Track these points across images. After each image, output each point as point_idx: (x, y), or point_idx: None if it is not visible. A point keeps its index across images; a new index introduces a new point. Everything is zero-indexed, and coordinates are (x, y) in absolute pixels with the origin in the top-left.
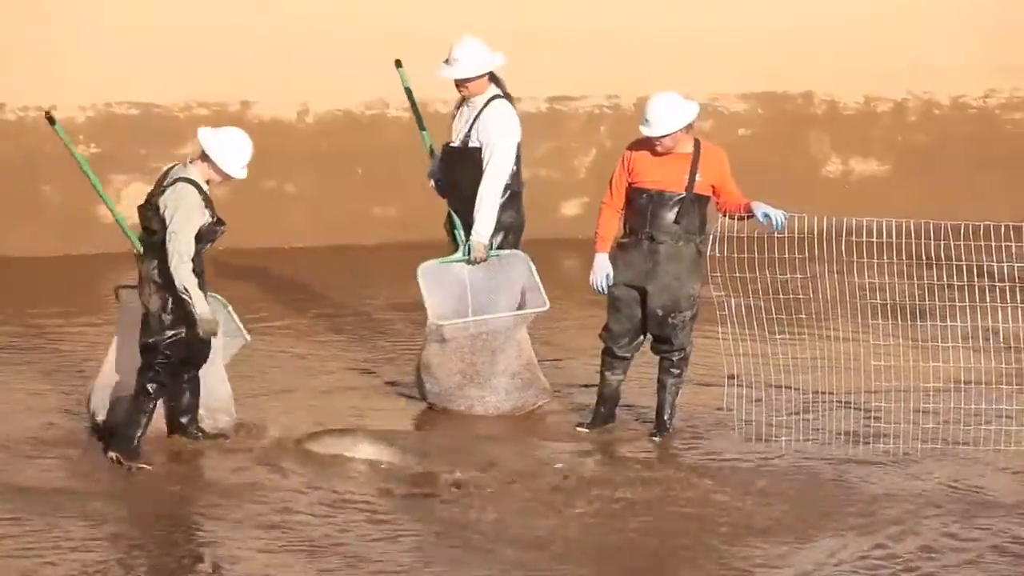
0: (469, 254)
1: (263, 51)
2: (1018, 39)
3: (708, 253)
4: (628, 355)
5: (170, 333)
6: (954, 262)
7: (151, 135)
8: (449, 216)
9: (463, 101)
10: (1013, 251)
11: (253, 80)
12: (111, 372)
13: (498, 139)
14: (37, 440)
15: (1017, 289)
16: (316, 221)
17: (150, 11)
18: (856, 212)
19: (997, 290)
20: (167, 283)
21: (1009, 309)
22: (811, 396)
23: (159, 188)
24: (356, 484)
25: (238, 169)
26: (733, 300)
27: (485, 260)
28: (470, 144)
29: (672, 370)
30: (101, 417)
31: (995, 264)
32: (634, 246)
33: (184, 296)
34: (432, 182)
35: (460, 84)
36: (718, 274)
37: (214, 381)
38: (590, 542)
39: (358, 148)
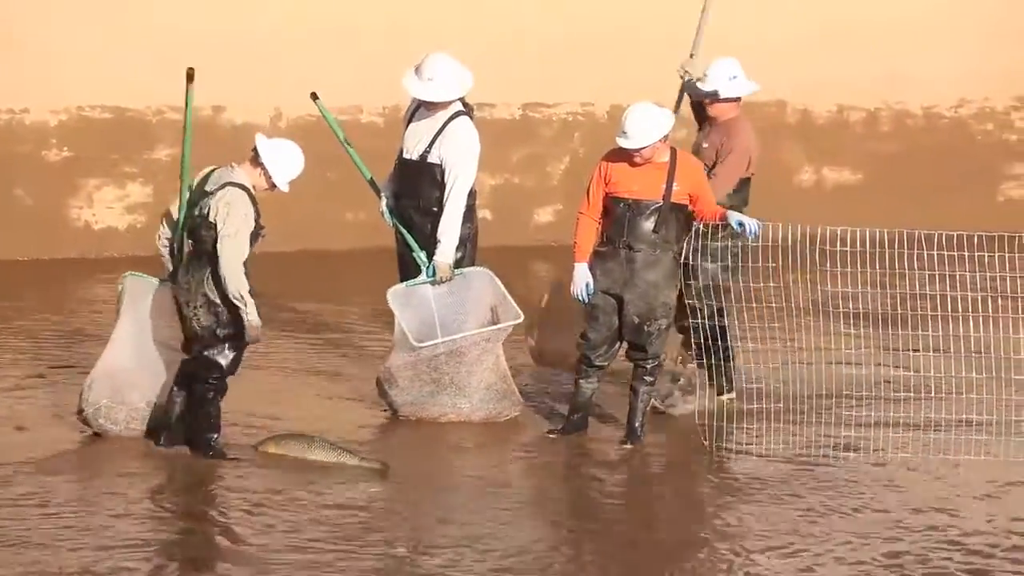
0: (433, 275)
1: (236, 56)
2: (989, 50)
3: (682, 261)
4: (604, 364)
5: (229, 349)
6: (927, 271)
7: (123, 139)
8: (403, 238)
9: (418, 108)
10: (986, 261)
11: (226, 85)
12: (114, 362)
13: (461, 162)
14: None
15: (988, 299)
16: (287, 226)
17: (122, 15)
18: (829, 221)
19: (970, 300)
20: (221, 295)
21: (980, 319)
22: (782, 405)
23: (202, 192)
24: (310, 488)
25: (285, 183)
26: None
27: (451, 279)
28: (429, 159)
29: (646, 378)
30: (104, 403)
31: (968, 274)
32: (612, 255)
33: (237, 302)
34: (387, 214)
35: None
36: (692, 282)
37: None
38: (553, 547)
39: (330, 153)
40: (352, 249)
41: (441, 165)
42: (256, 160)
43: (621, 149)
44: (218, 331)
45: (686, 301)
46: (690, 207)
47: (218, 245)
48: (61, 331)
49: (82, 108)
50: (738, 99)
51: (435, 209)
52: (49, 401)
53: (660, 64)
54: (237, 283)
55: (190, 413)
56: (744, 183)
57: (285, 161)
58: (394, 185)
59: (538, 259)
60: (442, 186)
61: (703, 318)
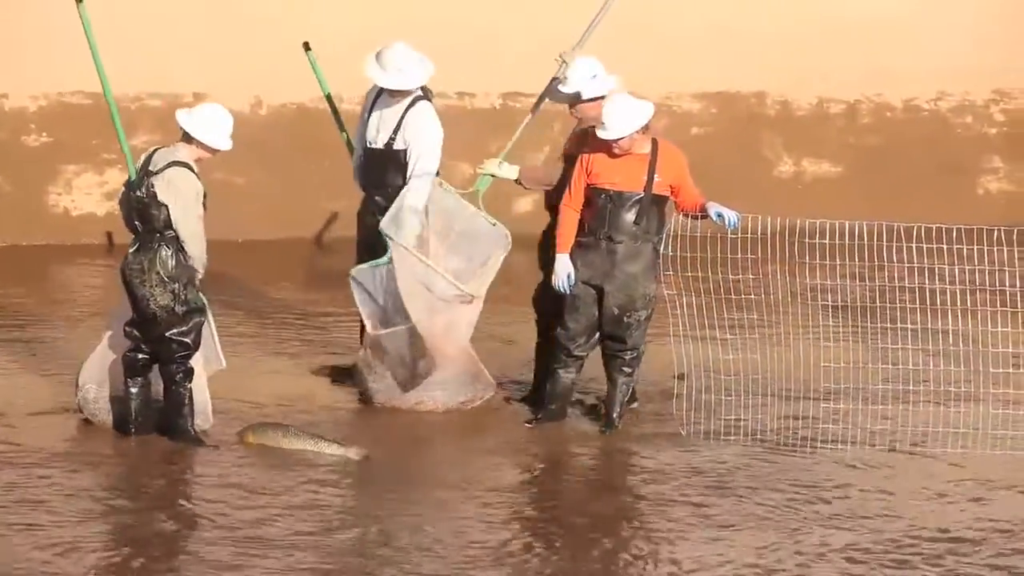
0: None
1: (216, 43)
2: (969, 43)
3: (662, 252)
4: (583, 354)
5: (191, 325)
6: (905, 264)
7: (103, 125)
8: (373, 215)
9: (377, 98)
10: (964, 254)
11: (206, 72)
12: (109, 347)
13: (424, 145)
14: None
15: (967, 292)
16: (267, 214)
17: (101, 2)
18: (808, 213)
19: (948, 293)
20: (176, 273)
21: (959, 312)
22: (760, 397)
23: (147, 174)
24: (285, 476)
25: (224, 141)
26: (684, 299)
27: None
28: (395, 147)
29: (624, 368)
30: (91, 388)
31: (946, 267)
32: (593, 246)
33: (200, 268)
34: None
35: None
36: (670, 273)
37: (195, 390)
38: (527, 541)
39: (311, 141)
40: (336, 237)
41: (407, 150)
42: (187, 136)
43: (603, 141)
44: (176, 308)
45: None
46: (672, 198)
47: (176, 224)
48: (38, 317)
49: (61, 94)
50: (602, 98)
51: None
52: (26, 387)
53: (639, 55)
54: (204, 259)
55: (164, 399)
56: None
57: (210, 124)
58: (362, 176)
59: (517, 248)
60: None
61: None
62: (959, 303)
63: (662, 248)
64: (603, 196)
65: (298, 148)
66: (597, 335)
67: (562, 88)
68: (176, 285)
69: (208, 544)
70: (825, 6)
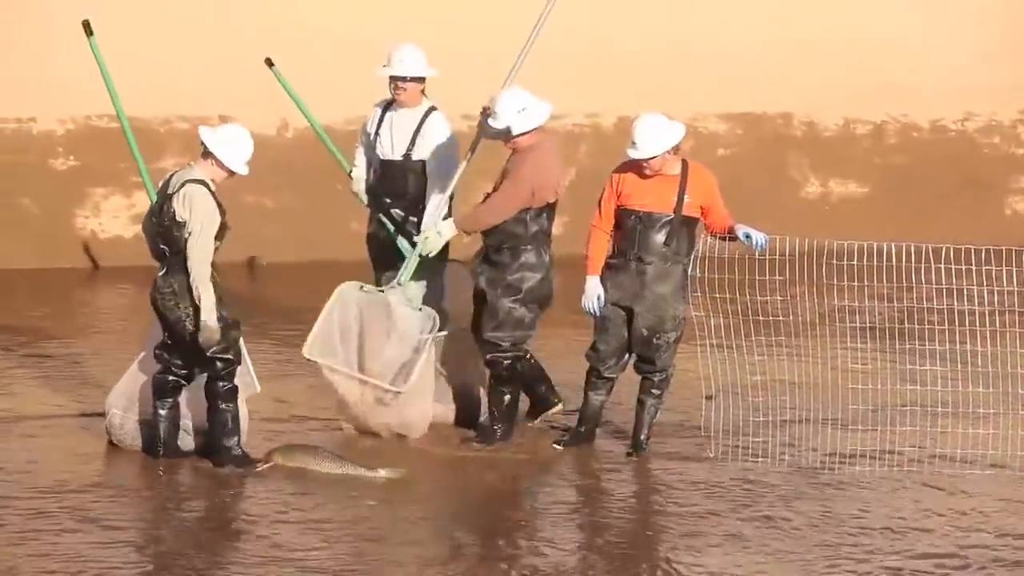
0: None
1: (243, 66)
2: (996, 63)
3: (691, 273)
4: (613, 376)
5: (229, 340)
6: (933, 285)
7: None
8: (384, 227)
9: (386, 110)
10: (992, 274)
11: (233, 95)
12: (138, 373)
13: (444, 153)
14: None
15: (996, 313)
16: (294, 236)
17: (130, 25)
18: (835, 234)
19: (976, 314)
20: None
21: (988, 333)
22: (788, 418)
23: (166, 197)
24: (316, 497)
25: (241, 164)
26: (713, 320)
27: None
28: (414, 157)
29: (653, 391)
30: (117, 413)
31: (974, 288)
32: (623, 267)
33: (197, 300)
34: (363, 197)
35: (398, 87)
36: (699, 294)
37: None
38: (557, 560)
39: (337, 163)
40: (359, 260)
41: (425, 160)
42: (206, 152)
43: (633, 162)
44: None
45: (485, 335)
46: (702, 219)
47: (189, 238)
48: (65, 340)
49: (89, 117)
50: (535, 130)
51: (423, 205)
52: (53, 411)
53: (667, 76)
54: (203, 279)
55: (208, 420)
56: (543, 211)
57: (231, 145)
58: (376, 189)
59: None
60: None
61: (503, 352)
62: (988, 324)
63: (691, 269)
64: (633, 217)
65: (325, 169)
66: (627, 357)
67: (491, 122)
68: None
69: (234, 567)
70: (850, 27)
